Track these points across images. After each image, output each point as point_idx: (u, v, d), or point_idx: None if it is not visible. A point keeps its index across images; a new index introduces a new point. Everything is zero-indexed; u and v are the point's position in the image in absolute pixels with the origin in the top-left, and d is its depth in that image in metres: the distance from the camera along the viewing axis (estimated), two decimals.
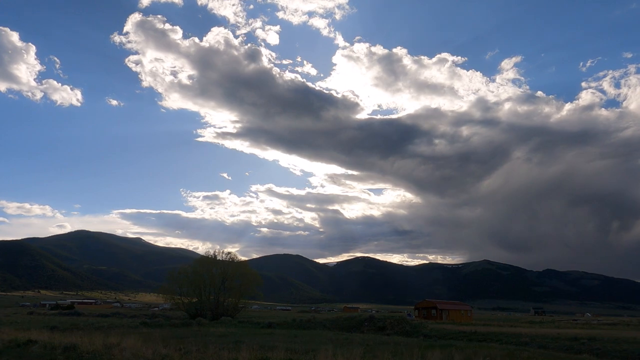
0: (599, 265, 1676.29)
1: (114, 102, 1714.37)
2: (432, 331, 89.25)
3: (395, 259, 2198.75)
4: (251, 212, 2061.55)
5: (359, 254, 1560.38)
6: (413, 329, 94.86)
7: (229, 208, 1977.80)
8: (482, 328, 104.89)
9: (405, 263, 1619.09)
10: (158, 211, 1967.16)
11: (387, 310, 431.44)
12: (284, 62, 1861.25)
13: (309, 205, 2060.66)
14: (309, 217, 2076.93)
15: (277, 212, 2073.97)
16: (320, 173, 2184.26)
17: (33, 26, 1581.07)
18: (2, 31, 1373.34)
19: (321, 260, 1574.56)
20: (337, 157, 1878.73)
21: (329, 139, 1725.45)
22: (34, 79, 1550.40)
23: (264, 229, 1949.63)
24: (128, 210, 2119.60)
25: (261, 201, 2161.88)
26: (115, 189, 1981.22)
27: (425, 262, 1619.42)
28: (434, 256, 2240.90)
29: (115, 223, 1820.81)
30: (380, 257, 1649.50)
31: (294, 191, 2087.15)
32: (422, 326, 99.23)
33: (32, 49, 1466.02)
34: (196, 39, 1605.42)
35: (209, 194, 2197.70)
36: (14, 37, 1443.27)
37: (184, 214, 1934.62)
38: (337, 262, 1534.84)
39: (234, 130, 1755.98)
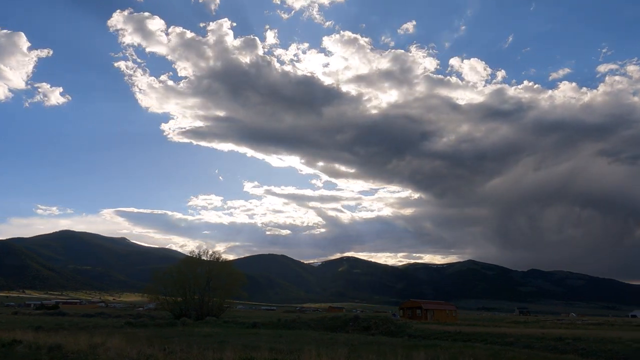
0: (584, 266, 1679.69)
1: (101, 102, 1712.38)
2: (417, 331, 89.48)
3: (392, 259, 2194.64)
4: (247, 211, 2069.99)
5: (352, 254, 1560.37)
6: (398, 329, 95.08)
7: (223, 209, 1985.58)
8: (467, 328, 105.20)
9: (399, 263, 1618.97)
10: (150, 211, 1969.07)
11: (372, 310, 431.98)
12: (283, 54, 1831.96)
13: (306, 205, 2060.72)
14: (306, 217, 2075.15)
15: (273, 212, 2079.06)
16: (321, 172, 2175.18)
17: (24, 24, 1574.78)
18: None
19: (307, 260, 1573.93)
20: (339, 155, 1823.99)
21: (331, 136, 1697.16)
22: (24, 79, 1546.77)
23: (260, 229, 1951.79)
24: (123, 209, 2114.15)
25: (257, 200, 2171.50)
26: (109, 189, 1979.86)
27: (410, 261, 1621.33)
28: (430, 256, 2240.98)
29: (109, 223, 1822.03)
30: (373, 257, 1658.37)
31: (292, 191, 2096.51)
32: (407, 326, 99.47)
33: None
34: (186, 32, 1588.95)
35: (205, 195, 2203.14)
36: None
37: (178, 214, 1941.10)
38: (323, 262, 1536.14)
39: (229, 130, 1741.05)
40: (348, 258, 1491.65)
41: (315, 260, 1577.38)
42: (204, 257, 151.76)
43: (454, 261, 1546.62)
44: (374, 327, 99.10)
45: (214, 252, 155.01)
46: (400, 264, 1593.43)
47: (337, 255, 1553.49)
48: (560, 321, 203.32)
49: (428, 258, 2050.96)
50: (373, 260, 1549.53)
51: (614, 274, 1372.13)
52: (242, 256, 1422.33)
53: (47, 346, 38.28)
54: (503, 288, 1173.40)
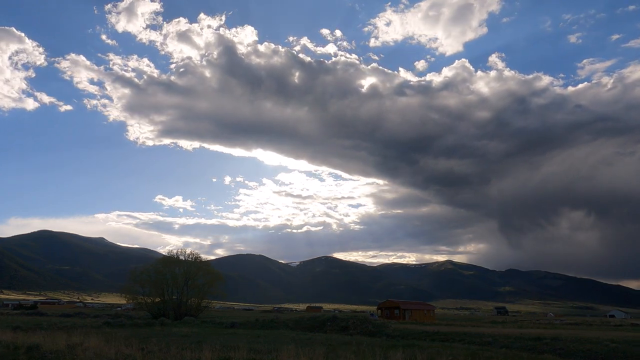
0: (561, 265, 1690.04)
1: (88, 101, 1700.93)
2: (395, 331, 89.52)
3: (384, 258, 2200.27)
4: (237, 211, 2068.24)
5: (331, 255, 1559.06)
6: (376, 328, 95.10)
7: (212, 209, 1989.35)
8: (445, 328, 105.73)
9: (380, 263, 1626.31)
10: (140, 213, 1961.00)
11: (350, 310, 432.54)
12: (288, 41, 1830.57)
13: (300, 204, 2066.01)
14: (298, 216, 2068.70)
15: (264, 210, 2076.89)
16: (322, 172, 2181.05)
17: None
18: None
19: (286, 261, 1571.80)
20: (338, 152, 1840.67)
21: (333, 132, 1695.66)
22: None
23: (251, 229, 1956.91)
24: (114, 210, 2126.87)
25: (248, 198, 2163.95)
26: (101, 190, 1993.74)
27: (388, 262, 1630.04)
28: (419, 255, 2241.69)
29: (98, 224, 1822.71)
30: (360, 257, 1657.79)
31: (286, 189, 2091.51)
32: (385, 326, 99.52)
33: None
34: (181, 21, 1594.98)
35: (199, 198, 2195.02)
36: None
37: (170, 215, 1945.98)
38: (301, 262, 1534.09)
39: (218, 128, 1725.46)
40: (326, 258, 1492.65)
41: (294, 261, 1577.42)
42: (181, 257, 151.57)
43: (432, 261, 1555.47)
44: (352, 327, 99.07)
45: (191, 252, 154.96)
46: (379, 264, 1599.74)
47: (316, 256, 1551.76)
48: (538, 321, 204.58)
49: (415, 257, 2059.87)
50: (354, 260, 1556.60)
51: (593, 274, 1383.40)
52: (221, 256, 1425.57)
53: (25, 346, 38.26)
54: (481, 288, 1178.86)
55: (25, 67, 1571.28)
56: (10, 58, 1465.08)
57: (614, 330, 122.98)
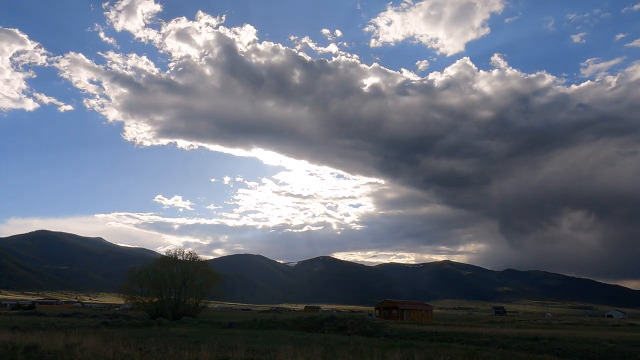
0: (559, 266, 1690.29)
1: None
2: (393, 331, 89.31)
3: (382, 258, 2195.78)
4: (235, 211, 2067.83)
5: (329, 255, 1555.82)
6: (374, 328, 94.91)
7: (216, 210, 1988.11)
8: (443, 328, 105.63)
9: (378, 262, 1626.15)
10: (140, 213, 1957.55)
11: (348, 310, 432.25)
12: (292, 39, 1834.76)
13: (303, 204, 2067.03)
14: (303, 217, 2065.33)
15: (264, 210, 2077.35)
16: (322, 171, 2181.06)
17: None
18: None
19: (285, 261, 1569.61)
20: (338, 152, 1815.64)
21: (333, 131, 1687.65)
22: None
23: (250, 229, 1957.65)
24: (113, 211, 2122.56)
25: (247, 198, 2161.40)
26: (100, 191, 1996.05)
27: (387, 261, 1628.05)
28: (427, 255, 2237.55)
29: (98, 225, 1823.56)
30: (358, 257, 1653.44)
31: (289, 190, 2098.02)
32: (383, 326, 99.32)
33: None
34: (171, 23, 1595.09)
35: (198, 197, 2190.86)
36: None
37: (169, 216, 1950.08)
38: (299, 262, 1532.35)
39: (217, 127, 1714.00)
40: (325, 258, 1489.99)
41: (292, 261, 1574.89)
42: (179, 257, 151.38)
43: (431, 261, 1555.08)
44: (350, 327, 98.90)
45: (190, 252, 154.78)
46: (378, 264, 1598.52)
47: (316, 255, 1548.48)
48: (536, 321, 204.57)
49: (414, 257, 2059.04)
50: (353, 260, 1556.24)
51: (591, 274, 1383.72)
52: (219, 256, 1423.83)
53: (23, 346, 38.23)
54: (479, 288, 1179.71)
55: (26, 67, 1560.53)
56: (11, 59, 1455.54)
57: (612, 330, 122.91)
